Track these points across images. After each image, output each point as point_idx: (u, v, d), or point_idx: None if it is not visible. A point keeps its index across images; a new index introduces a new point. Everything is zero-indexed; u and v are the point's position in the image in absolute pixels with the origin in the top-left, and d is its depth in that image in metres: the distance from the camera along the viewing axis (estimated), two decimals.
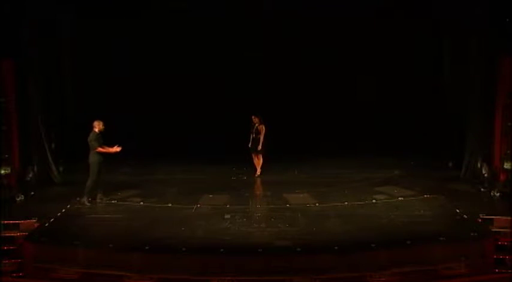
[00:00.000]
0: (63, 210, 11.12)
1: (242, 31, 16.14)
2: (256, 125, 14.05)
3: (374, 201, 11.80)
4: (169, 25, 16.14)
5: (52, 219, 10.49)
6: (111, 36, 16.02)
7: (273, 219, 10.66)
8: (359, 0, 15.89)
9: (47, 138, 13.42)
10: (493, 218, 10.27)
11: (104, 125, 11.78)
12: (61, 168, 14.08)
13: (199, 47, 16.46)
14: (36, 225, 10.24)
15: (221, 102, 16.58)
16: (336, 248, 9.05)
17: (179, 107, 16.45)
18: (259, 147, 13.93)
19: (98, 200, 11.83)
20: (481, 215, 10.43)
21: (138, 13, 15.95)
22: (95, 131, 11.71)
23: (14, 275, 9.22)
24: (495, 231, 9.85)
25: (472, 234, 9.60)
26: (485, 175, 12.61)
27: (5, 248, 9.63)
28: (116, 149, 11.74)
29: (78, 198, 11.80)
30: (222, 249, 9.01)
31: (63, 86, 15.02)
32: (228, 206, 11.53)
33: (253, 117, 14.11)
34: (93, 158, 11.67)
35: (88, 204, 11.65)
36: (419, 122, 15.78)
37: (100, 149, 11.61)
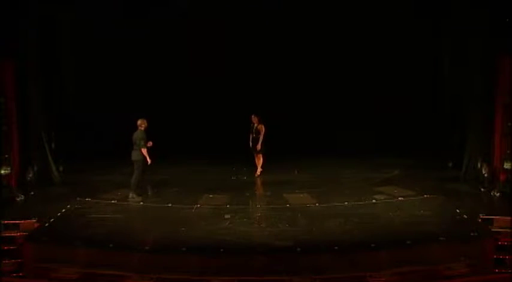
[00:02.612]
0: (63, 210, 11.12)
1: (242, 31, 16.15)
2: (256, 124, 14.05)
3: (374, 201, 11.80)
4: (169, 25, 16.15)
5: (52, 219, 10.48)
6: (112, 35, 16.04)
7: (273, 219, 10.66)
8: (359, 1, 15.92)
9: (47, 138, 13.43)
10: (493, 218, 10.26)
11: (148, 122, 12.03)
12: (61, 168, 14.09)
13: (199, 47, 16.46)
14: (36, 225, 10.23)
15: (221, 102, 16.60)
16: (336, 248, 9.04)
17: (179, 107, 16.47)
18: (259, 147, 13.94)
19: (139, 197, 11.97)
20: (481, 215, 10.42)
21: (138, 13, 15.98)
22: (141, 130, 11.90)
23: (14, 275, 9.21)
24: (495, 231, 9.84)
25: (472, 234, 9.59)
26: (485, 175, 12.60)
27: (5, 248, 9.62)
28: (149, 144, 11.94)
29: (78, 198, 11.85)
30: (222, 249, 9.00)
31: (63, 86, 15.02)
32: (228, 206, 11.53)
33: (252, 116, 14.12)
34: (139, 156, 11.85)
35: (135, 198, 11.87)
36: (420, 122, 15.78)
37: (144, 151, 11.78)
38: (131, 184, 11.99)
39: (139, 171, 11.94)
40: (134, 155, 11.93)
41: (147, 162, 11.90)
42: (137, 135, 11.90)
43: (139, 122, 11.97)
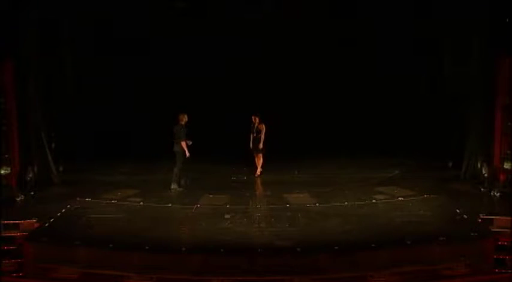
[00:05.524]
0: (63, 210, 11.12)
1: (242, 31, 16.17)
2: (256, 124, 14.08)
3: (374, 201, 11.80)
4: (169, 25, 16.16)
5: (52, 219, 10.48)
6: (111, 35, 16.06)
7: (273, 219, 10.66)
8: (359, 1, 15.93)
9: (47, 138, 13.43)
10: (493, 218, 10.27)
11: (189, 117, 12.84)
12: (61, 168, 14.08)
13: (199, 47, 16.47)
14: (36, 225, 10.23)
15: (221, 102, 16.60)
16: (336, 248, 9.04)
17: (178, 106, 16.45)
18: (260, 146, 13.96)
19: (180, 188, 12.82)
20: (481, 215, 10.42)
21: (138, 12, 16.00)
22: (181, 124, 12.61)
23: (14, 275, 9.22)
24: (495, 231, 9.84)
25: (472, 234, 9.59)
26: (485, 175, 12.60)
27: (5, 248, 9.62)
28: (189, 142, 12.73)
29: (78, 198, 11.85)
30: (222, 249, 9.01)
31: (63, 85, 15.02)
32: (228, 206, 11.53)
33: (253, 116, 14.15)
34: (180, 148, 12.60)
35: (180, 189, 12.77)
36: (419, 122, 15.78)
37: (183, 143, 12.54)
38: (173, 175, 12.79)
39: (180, 163, 12.68)
40: (176, 147, 12.72)
41: (186, 154, 12.56)
42: (177, 128, 12.66)
43: (180, 116, 12.76)
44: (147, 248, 9.11)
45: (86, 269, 8.99)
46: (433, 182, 13.34)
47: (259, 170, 14.30)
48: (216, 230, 10.02)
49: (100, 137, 15.84)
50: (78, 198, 11.88)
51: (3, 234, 9.87)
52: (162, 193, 12.60)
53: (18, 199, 11.85)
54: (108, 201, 11.87)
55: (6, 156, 11.87)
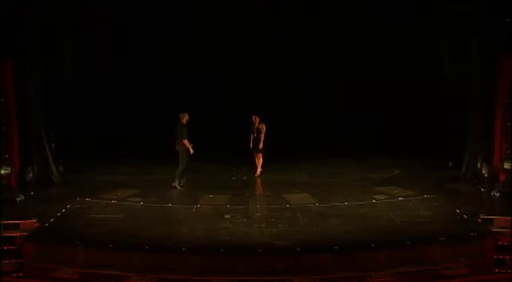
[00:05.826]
0: (63, 210, 11.12)
1: (242, 31, 16.18)
2: (257, 124, 14.09)
3: (374, 201, 11.80)
4: (169, 24, 16.18)
5: (52, 219, 10.48)
6: (111, 35, 16.07)
7: (273, 219, 10.66)
8: (360, 1, 15.95)
9: (47, 138, 13.43)
10: (493, 218, 10.27)
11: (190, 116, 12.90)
12: (61, 168, 14.08)
13: (198, 47, 16.48)
14: (36, 225, 10.23)
15: (221, 101, 16.60)
16: (336, 248, 9.04)
17: (178, 106, 16.48)
18: (261, 146, 13.97)
19: (181, 188, 12.88)
20: (481, 215, 10.42)
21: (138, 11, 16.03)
22: (183, 123, 12.68)
23: (14, 275, 9.22)
24: (495, 231, 9.84)
25: (472, 234, 9.59)
26: (485, 175, 12.59)
27: (5, 248, 9.62)
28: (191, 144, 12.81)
29: (78, 198, 11.85)
30: (222, 249, 9.01)
31: (63, 86, 15.03)
32: (228, 206, 11.53)
33: (253, 117, 14.15)
34: (181, 147, 12.71)
35: (179, 187, 12.84)
36: (420, 122, 15.78)
37: (185, 142, 12.57)
38: (176, 173, 12.86)
39: (183, 162, 12.74)
40: (178, 146, 12.77)
41: (190, 153, 12.63)
42: (179, 128, 12.75)
43: (180, 115, 12.81)
44: (147, 248, 9.11)
45: (86, 269, 8.99)
46: (433, 182, 13.35)
47: (259, 170, 14.30)
48: (216, 230, 10.02)
49: (100, 137, 15.85)
50: (78, 198, 11.88)
51: (3, 234, 9.87)
52: (162, 193, 12.59)
53: (18, 199, 11.85)
54: (108, 201, 11.86)
55: (6, 156, 11.87)
